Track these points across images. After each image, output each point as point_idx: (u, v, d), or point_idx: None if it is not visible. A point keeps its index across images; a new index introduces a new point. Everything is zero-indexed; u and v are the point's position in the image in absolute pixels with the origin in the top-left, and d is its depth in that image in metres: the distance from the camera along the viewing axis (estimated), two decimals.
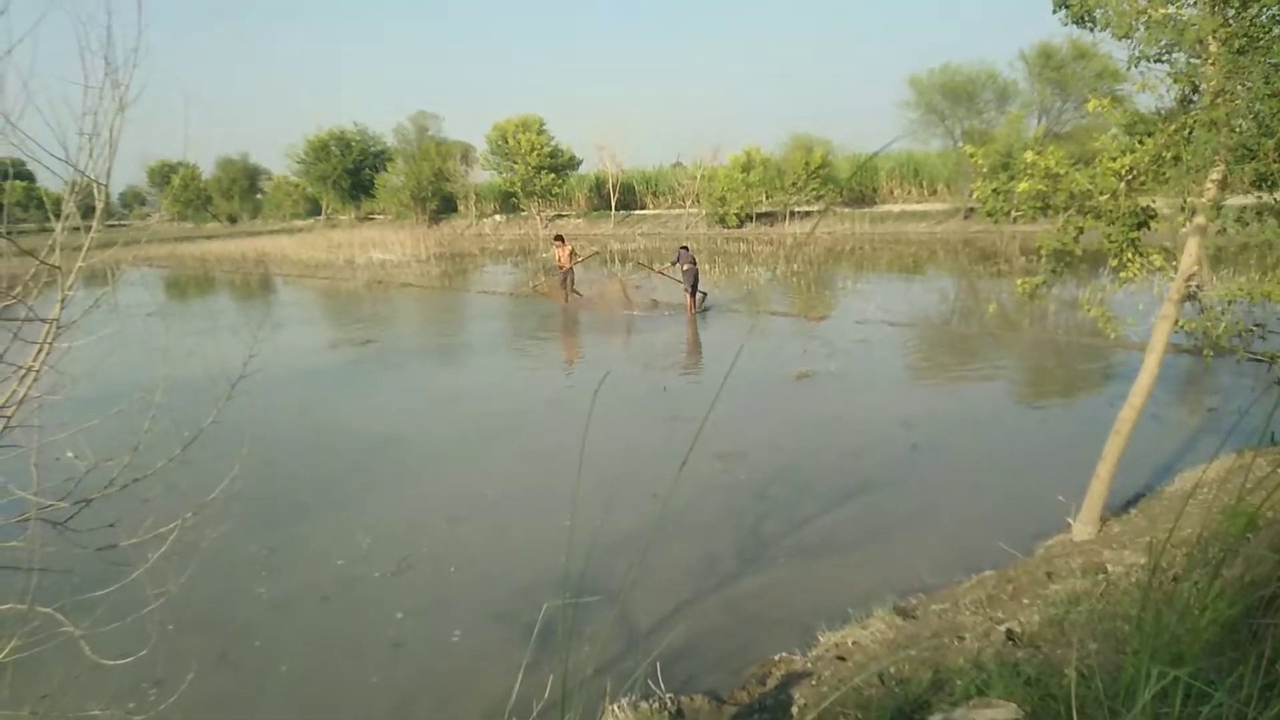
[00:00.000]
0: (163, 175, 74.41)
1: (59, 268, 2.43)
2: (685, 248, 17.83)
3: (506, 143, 49.21)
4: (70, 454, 2.88)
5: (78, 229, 2.59)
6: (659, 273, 19.39)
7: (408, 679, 4.97)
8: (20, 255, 2.45)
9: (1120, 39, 5.19)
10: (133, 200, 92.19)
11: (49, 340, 2.40)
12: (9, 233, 2.54)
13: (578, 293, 19.40)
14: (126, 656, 2.87)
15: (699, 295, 17.70)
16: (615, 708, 3.27)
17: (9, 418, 2.35)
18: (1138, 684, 1.86)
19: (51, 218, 2.57)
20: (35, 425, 2.58)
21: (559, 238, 19.91)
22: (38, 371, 2.40)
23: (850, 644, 4.68)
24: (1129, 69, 5.13)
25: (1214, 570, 2.55)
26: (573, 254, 19.53)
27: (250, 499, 7.56)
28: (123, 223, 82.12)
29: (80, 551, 2.70)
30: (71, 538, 2.62)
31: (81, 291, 2.58)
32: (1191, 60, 4.99)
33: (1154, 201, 5.68)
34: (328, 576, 6.32)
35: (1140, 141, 5.40)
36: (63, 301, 2.43)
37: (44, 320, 2.41)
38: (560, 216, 54.12)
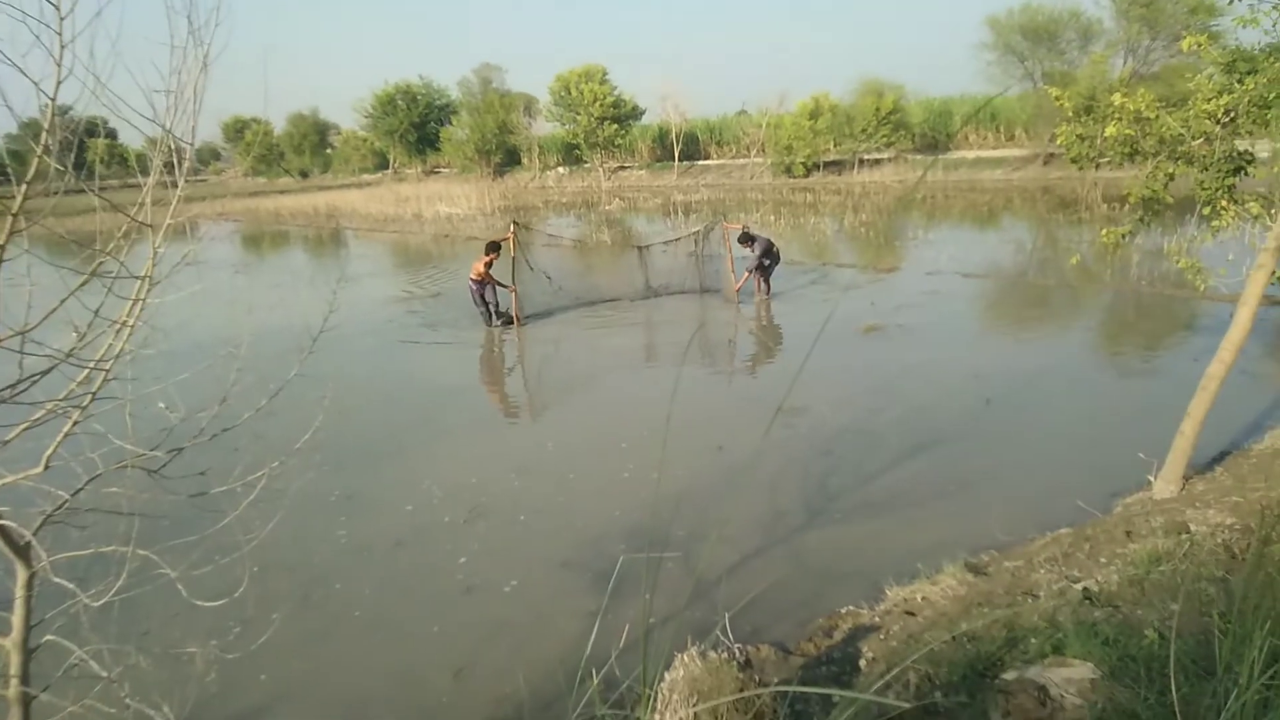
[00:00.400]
0: (236, 131, 76.08)
1: (150, 225, 2.50)
2: (751, 235, 13.67)
3: (569, 94, 48.94)
4: (162, 405, 3.01)
5: (163, 185, 2.66)
6: (727, 227, 14.39)
7: (482, 623, 5.12)
8: (112, 211, 2.53)
9: None
10: (208, 156, 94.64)
11: (142, 296, 2.49)
12: (97, 194, 2.63)
13: (504, 316, 13.42)
14: (219, 598, 3.01)
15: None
16: (684, 657, 3.32)
17: (106, 370, 2.46)
18: (1242, 648, 1.80)
19: (138, 175, 2.64)
20: (129, 378, 2.70)
21: (491, 248, 13.30)
22: (132, 326, 2.49)
23: (919, 599, 4.65)
24: (1230, 1, 4.81)
25: None
26: (490, 264, 13.10)
27: (329, 449, 7.84)
28: (200, 178, 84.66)
29: (173, 498, 2.83)
30: (166, 485, 2.75)
31: (166, 247, 2.66)
32: None
33: (1252, 146, 5.38)
34: (402, 523, 6.52)
35: (1239, 81, 5.09)
36: (154, 258, 2.51)
37: (136, 276, 2.50)
38: (623, 168, 53.80)
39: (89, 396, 2.45)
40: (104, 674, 2.59)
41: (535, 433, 8.91)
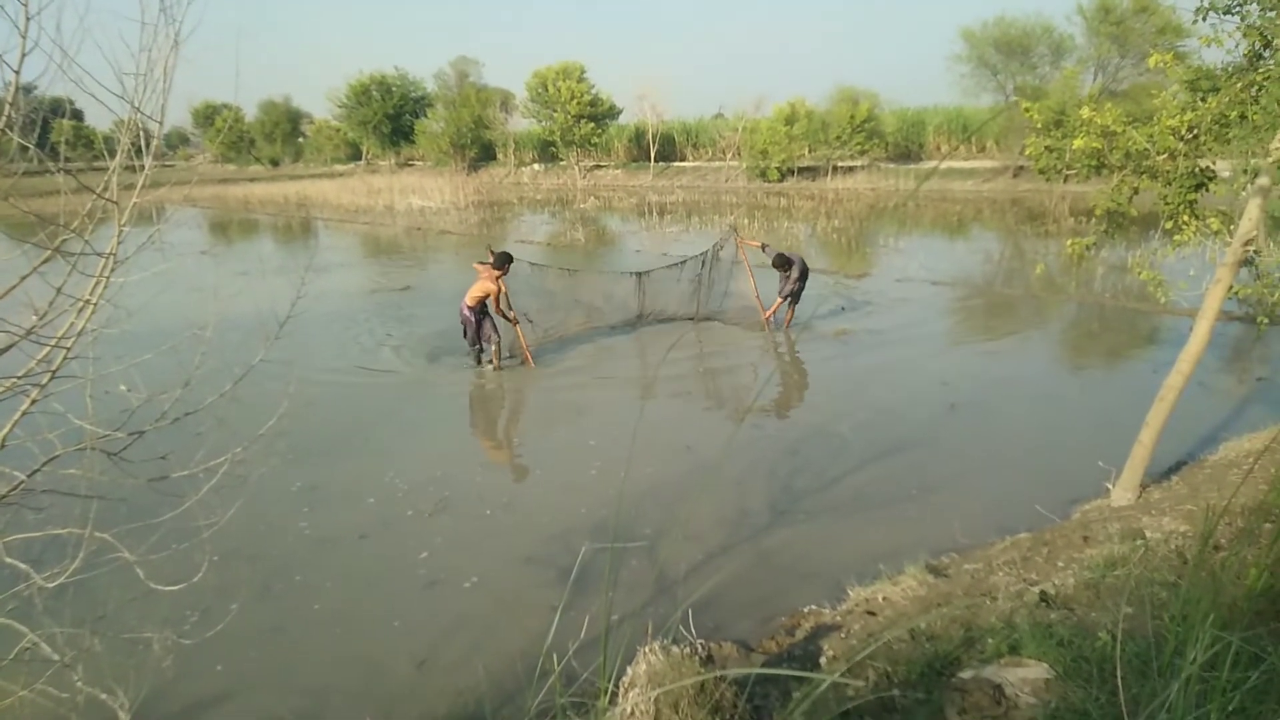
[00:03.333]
0: (206, 117, 74.94)
1: (116, 202, 2.47)
2: (787, 257, 11.63)
3: (546, 90, 48.84)
4: (124, 387, 2.96)
5: (130, 167, 2.62)
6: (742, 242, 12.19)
7: (445, 615, 5.10)
8: (78, 191, 2.49)
9: None
10: (177, 141, 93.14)
11: (105, 274, 2.45)
12: (63, 170, 2.59)
13: (495, 360, 10.28)
14: (178, 583, 2.96)
15: None
16: (647, 651, 3.33)
17: (68, 349, 2.41)
18: (1185, 646, 1.85)
19: (105, 155, 2.60)
20: (91, 358, 2.65)
21: (504, 260, 10.13)
22: (94, 305, 2.45)
23: (880, 599, 4.70)
24: (1195, 22, 4.92)
25: (1274, 538, 2.51)
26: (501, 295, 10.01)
27: (293, 437, 7.76)
28: (168, 163, 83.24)
29: (133, 482, 2.78)
30: (125, 468, 2.70)
31: (132, 229, 2.62)
32: (1267, 13, 4.77)
33: (1214, 163, 5.50)
34: (365, 515, 6.46)
35: (1203, 99, 5.20)
36: (119, 236, 2.47)
37: (100, 254, 2.46)
38: (599, 167, 53.78)
39: (48, 375, 2.41)
40: (56, 657, 2.55)
41: (503, 428, 8.88)
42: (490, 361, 10.24)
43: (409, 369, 10.61)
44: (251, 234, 29.88)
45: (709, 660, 3.88)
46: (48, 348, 2.39)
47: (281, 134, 71.37)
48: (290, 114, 72.33)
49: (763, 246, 12.17)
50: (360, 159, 65.88)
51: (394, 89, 60.46)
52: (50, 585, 2.49)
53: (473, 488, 6.96)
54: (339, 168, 63.57)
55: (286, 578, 5.60)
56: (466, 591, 5.33)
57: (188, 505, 2.88)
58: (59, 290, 2.35)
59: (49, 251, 2.34)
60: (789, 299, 11.79)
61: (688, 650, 3.36)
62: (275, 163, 71.83)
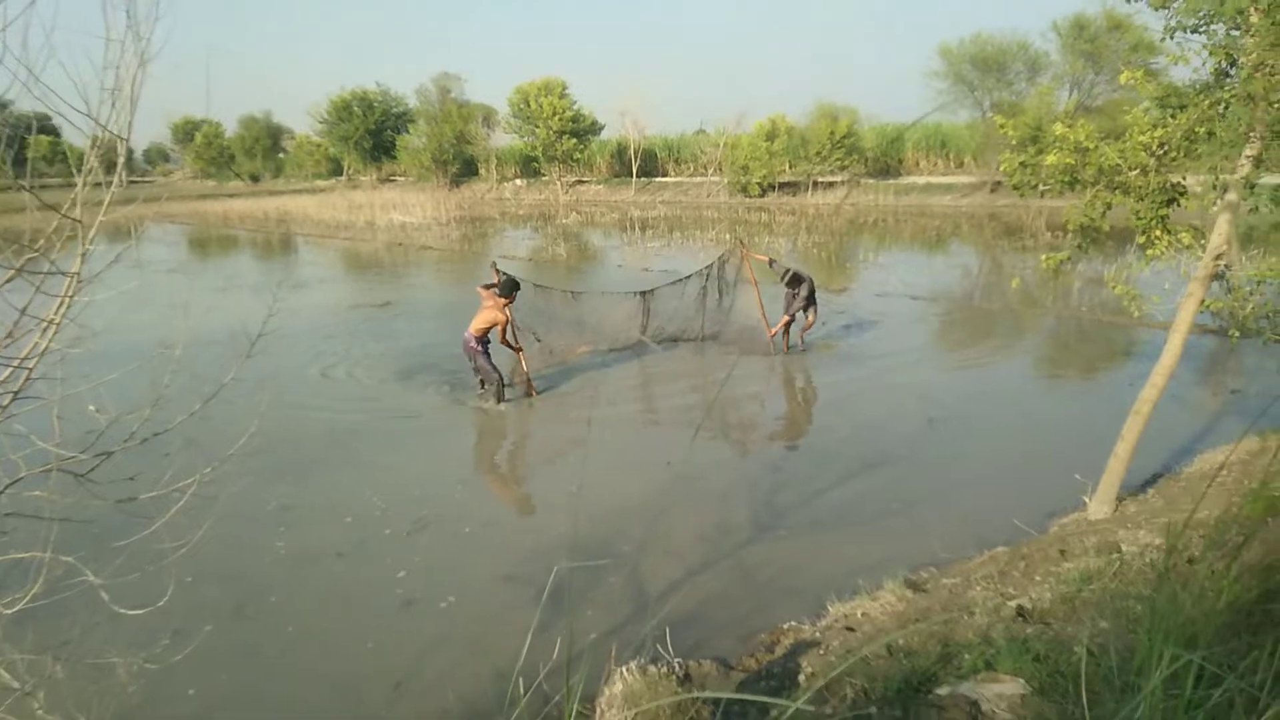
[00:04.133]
0: (186, 132, 74.54)
1: (80, 221, 2.43)
2: (798, 275, 11.12)
3: (528, 106, 48.97)
4: (92, 407, 2.91)
5: (100, 184, 2.59)
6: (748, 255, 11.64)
7: (421, 636, 5.04)
8: (43, 209, 2.46)
9: (1157, 9, 5.06)
10: (157, 157, 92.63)
11: (70, 294, 2.42)
12: (32, 187, 2.55)
13: (497, 398, 9.46)
14: (144, 607, 2.91)
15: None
16: (623, 671, 3.30)
17: (30, 369, 2.38)
18: (1150, 664, 1.85)
19: (75, 172, 2.57)
20: (57, 378, 2.61)
21: (510, 287, 9.43)
22: (58, 324, 2.42)
23: (859, 615, 4.69)
24: (1164, 40, 5.00)
25: (1233, 553, 2.52)
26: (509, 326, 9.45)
27: (268, 456, 7.68)
28: (146, 179, 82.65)
29: (100, 504, 2.74)
30: (92, 489, 2.66)
31: (104, 246, 2.59)
32: (1231, 32, 4.85)
33: (1184, 178, 5.57)
34: (342, 534, 6.39)
35: (1172, 115, 5.28)
36: (83, 255, 2.44)
37: (65, 274, 2.42)
38: (581, 182, 53.89)
39: (10, 396, 2.37)
40: (17, 685, 2.49)
41: (484, 446, 8.82)
42: (495, 398, 9.38)
43: (384, 387, 10.52)
44: (229, 250, 29.66)
45: (686, 679, 3.85)
46: (10, 368, 2.35)
47: (262, 149, 71.07)
48: (270, 129, 72.07)
49: (770, 262, 11.69)
50: (341, 174, 65.68)
51: (375, 104, 60.41)
52: (9, 611, 2.44)
53: (452, 506, 6.90)
54: (320, 183, 63.32)
55: (261, 598, 5.52)
56: (443, 611, 5.27)
57: (155, 528, 2.83)
58: (22, 311, 2.32)
59: (12, 271, 2.30)
60: (795, 317, 11.31)
61: (665, 670, 3.34)
62: (255, 178, 71.49)
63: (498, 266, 9.78)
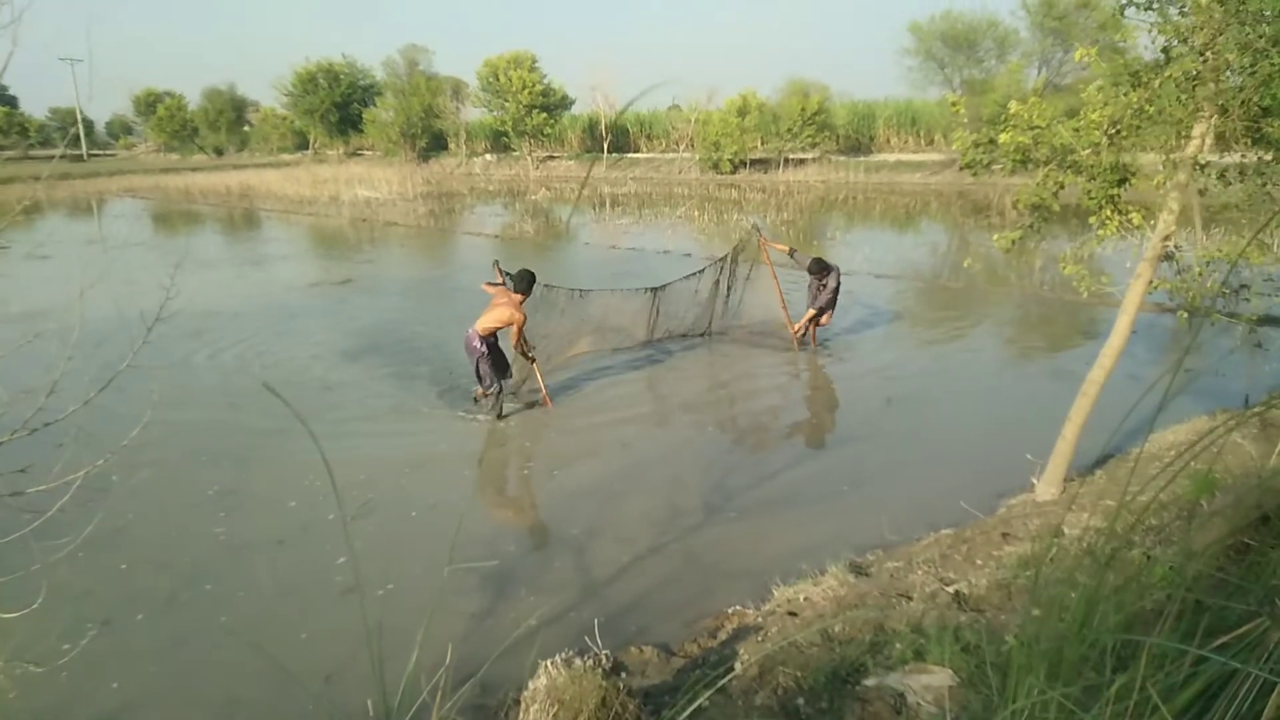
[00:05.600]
0: (148, 104, 72.77)
1: None
2: (826, 263, 10.44)
3: (498, 80, 48.29)
4: None
5: (65, 157, 2.42)
6: (767, 246, 10.78)
7: (357, 626, 4.90)
8: None
9: None
10: (119, 129, 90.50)
11: None
12: None
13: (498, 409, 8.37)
14: (24, 608, 2.77)
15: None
16: (548, 664, 3.21)
17: None
18: (1071, 652, 1.80)
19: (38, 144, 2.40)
20: None
21: (525, 282, 8.23)
22: None
23: (802, 600, 4.64)
24: (1115, 15, 4.93)
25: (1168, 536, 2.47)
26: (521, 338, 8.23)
27: (211, 440, 7.51)
28: (108, 152, 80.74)
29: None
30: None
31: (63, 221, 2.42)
32: (1182, 11, 4.78)
33: (1135, 158, 5.52)
34: (284, 520, 6.23)
35: (1125, 94, 5.22)
36: None
37: None
38: (552, 157, 53.38)
39: None
40: None
41: (433, 427, 8.62)
42: (495, 411, 8.31)
43: (336, 369, 10.31)
44: (191, 225, 29.02)
45: (616, 669, 3.77)
46: None
47: (226, 122, 69.56)
48: (235, 102, 70.53)
49: (791, 251, 10.80)
50: (307, 148, 64.53)
51: (342, 77, 59.23)
52: None
53: (398, 489, 6.76)
54: (286, 157, 62.16)
55: (196, 586, 5.36)
56: (381, 599, 5.15)
57: (38, 524, 2.69)
58: None
59: None
60: (823, 311, 10.40)
61: (590, 662, 3.25)
62: (220, 152, 70.04)
63: (500, 266, 8.62)
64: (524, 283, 8.10)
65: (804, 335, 10.63)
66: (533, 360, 8.48)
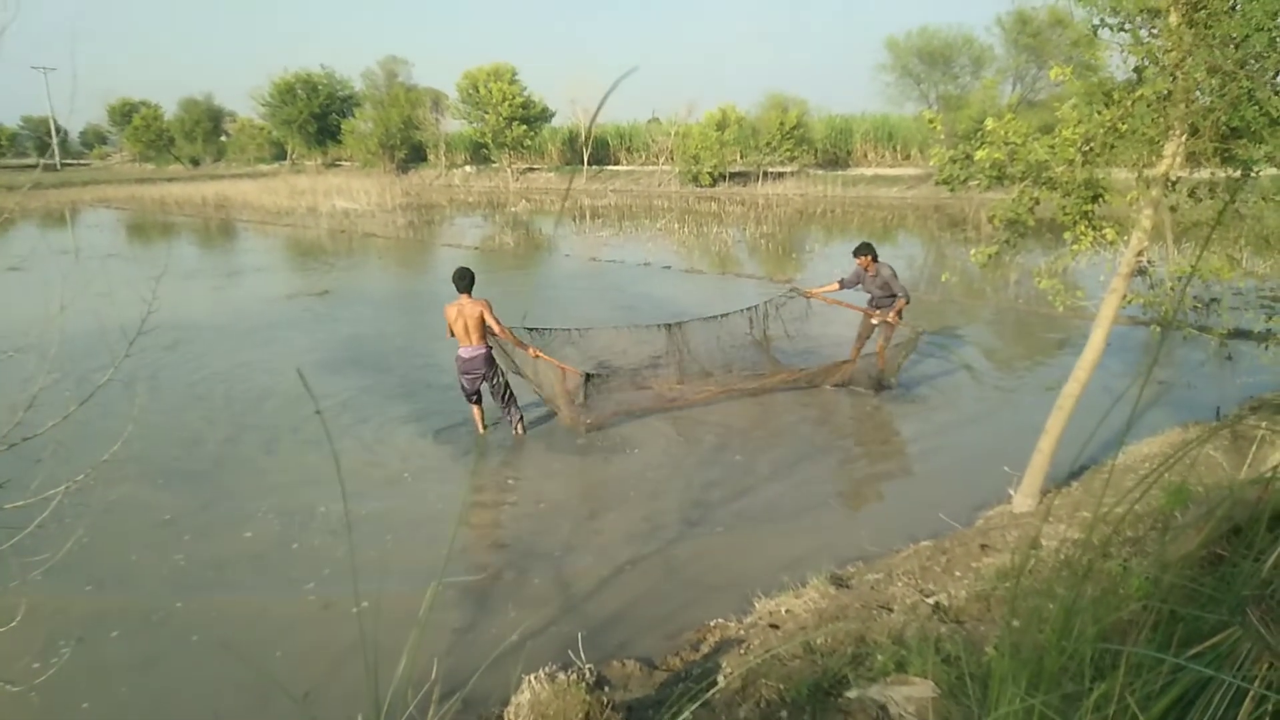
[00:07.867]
0: (124, 114, 72.00)
1: None
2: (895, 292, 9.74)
3: (478, 92, 48.28)
4: None
5: (40, 166, 2.40)
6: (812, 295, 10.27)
7: (334, 643, 4.87)
8: None
9: (1085, 6, 5.07)
10: (94, 139, 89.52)
11: None
12: None
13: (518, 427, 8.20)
14: (10, 623, 2.74)
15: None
16: (531, 679, 3.21)
17: None
18: (1051, 662, 1.82)
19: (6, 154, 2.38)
20: None
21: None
22: None
23: (784, 612, 4.66)
24: (1088, 35, 5.03)
25: (1142, 546, 2.51)
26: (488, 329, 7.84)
27: (185, 455, 7.43)
28: (82, 161, 79.83)
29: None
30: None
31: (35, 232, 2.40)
32: (1151, 32, 4.89)
33: (1108, 174, 5.62)
34: (260, 534, 6.18)
35: (1098, 112, 5.32)
36: None
37: None
38: (532, 169, 53.41)
39: None
40: None
41: (409, 440, 8.57)
42: (518, 423, 8.15)
43: (314, 382, 10.24)
44: (168, 236, 28.73)
45: (600, 684, 3.77)
46: None
47: (202, 132, 68.92)
48: (211, 112, 69.96)
49: (840, 283, 9.99)
50: (285, 159, 64.15)
51: (320, 87, 59.01)
52: None
53: (375, 505, 6.70)
54: (263, 167, 61.70)
55: (169, 604, 5.29)
56: (358, 616, 5.10)
57: (17, 540, 2.65)
58: None
59: None
60: (879, 306, 9.76)
61: (574, 676, 3.25)
62: (196, 162, 69.39)
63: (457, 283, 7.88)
64: (465, 280, 7.77)
65: (885, 354, 9.55)
66: (528, 346, 7.99)
